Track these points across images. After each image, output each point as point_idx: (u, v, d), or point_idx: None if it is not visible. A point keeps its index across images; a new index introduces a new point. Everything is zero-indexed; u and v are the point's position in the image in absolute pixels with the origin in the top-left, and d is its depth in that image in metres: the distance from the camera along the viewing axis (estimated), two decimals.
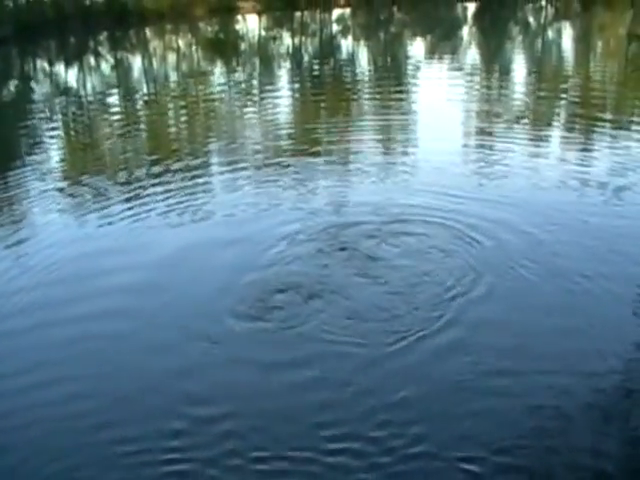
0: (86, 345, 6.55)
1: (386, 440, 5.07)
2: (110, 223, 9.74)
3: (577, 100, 17.79)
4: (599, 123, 14.53)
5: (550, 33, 34.86)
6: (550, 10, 42.25)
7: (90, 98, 21.67)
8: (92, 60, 31.54)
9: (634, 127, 14.52)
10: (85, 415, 5.57)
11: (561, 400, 5.43)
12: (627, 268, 7.49)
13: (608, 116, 15.58)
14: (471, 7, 46.66)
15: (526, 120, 15.38)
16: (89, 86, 24.29)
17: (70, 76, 27.00)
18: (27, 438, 5.36)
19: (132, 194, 10.92)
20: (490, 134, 13.96)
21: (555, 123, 15.38)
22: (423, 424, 5.24)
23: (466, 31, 38.31)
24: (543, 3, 44.09)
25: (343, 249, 8.24)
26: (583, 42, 30.03)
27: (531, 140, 13.47)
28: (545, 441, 5.04)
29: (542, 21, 39.55)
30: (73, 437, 5.37)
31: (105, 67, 29.44)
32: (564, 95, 18.40)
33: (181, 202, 10.39)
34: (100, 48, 35.72)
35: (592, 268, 7.42)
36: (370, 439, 5.10)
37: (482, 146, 13.11)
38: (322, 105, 19.02)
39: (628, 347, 6.21)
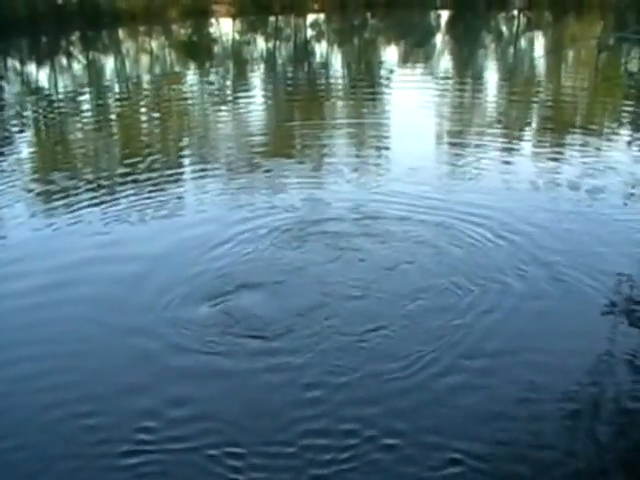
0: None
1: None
2: (77, 221, 9.81)
3: (548, 107, 18.10)
4: (568, 129, 14.87)
5: (522, 42, 35.20)
6: (522, 19, 42.64)
7: (61, 98, 21.46)
8: (64, 60, 31.26)
9: (602, 132, 14.81)
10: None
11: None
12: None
13: (577, 122, 15.95)
14: (444, 15, 46.95)
15: (496, 126, 15.56)
16: (61, 86, 24.08)
17: (42, 76, 26.73)
18: None
19: (100, 193, 10.95)
20: (460, 139, 14.19)
21: (525, 129, 15.66)
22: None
23: (439, 38, 38.54)
24: (515, 13, 44.45)
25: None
26: (554, 51, 30.32)
27: (501, 145, 13.67)
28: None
29: (514, 30, 39.91)
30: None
31: (77, 67, 29.18)
32: (535, 102, 18.70)
33: (149, 200, 10.50)
34: (72, 48, 35.39)
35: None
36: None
37: (452, 150, 13.39)
38: (295, 108, 19.05)
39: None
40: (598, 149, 13.34)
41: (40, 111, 19.40)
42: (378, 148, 13.71)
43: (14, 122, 17.57)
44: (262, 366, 6.09)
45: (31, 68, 29.13)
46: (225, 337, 6.50)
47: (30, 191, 11.46)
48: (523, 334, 6.57)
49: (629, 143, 13.99)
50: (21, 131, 16.66)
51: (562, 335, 6.52)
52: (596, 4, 40.02)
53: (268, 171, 11.94)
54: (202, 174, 12.10)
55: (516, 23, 42.37)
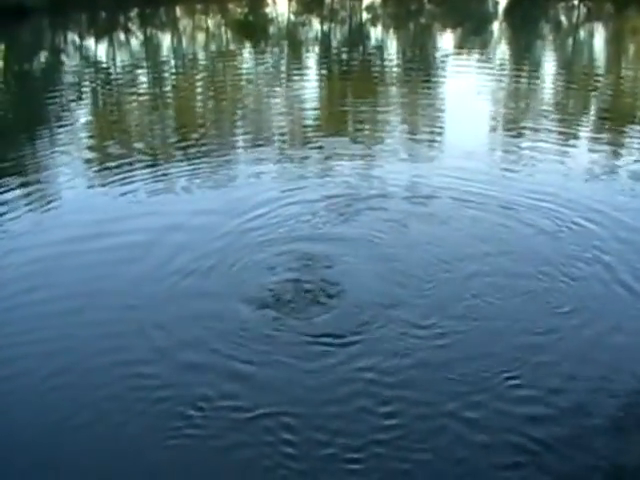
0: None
1: None
2: (131, 192, 10.13)
3: (605, 101, 17.74)
4: (627, 125, 14.55)
5: (582, 33, 34.59)
6: (582, 10, 41.87)
7: (119, 73, 21.74)
8: (122, 36, 31.61)
9: None
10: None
11: None
12: None
13: (635, 123, 15.55)
14: (502, 2, 46.32)
15: (552, 118, 15.36)
16: (118, 61, 24.36)
17: (100, 51, 27.10)
18: None
19: (154, 168, 11.20)
20: (514, 130, 14.10)
21: (581, 123, 15.28)
22: None
23: (496, 26, 38.08)
24: (575, 2, 43.66)
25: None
26: (615, 44, 29.78)
27: (555, 138, 13.50)
28: None
29: (574, 20, 39.23)
30: None
31: (135, 43, 29.52)
32: (593, 96, 18.35)
33: (202, 176, 10.70)
34: (130, 24, 35.76)
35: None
36: None
37: (505, 140, 13.35)
38: (348, 90, 19.07)
39: None
40: None
41: (98, 84, 19.71)
42: (431, 132, 13.73)
43: (73, 94, 17.88)
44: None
45: (90, 43, 29.51)
46: None
47: (86, 160, 11.85)
48: None
49: None
50: (79, 103, 16.97)
51: None
52: None
53: (320, 152, 12.07)
54: (254, 148, 12.35)
55: (576, 13, 41.64)
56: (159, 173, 10.91)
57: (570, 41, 32.07)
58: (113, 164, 11.42)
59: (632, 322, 6.64)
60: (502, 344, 6.22)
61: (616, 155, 12.34)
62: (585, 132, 14.23)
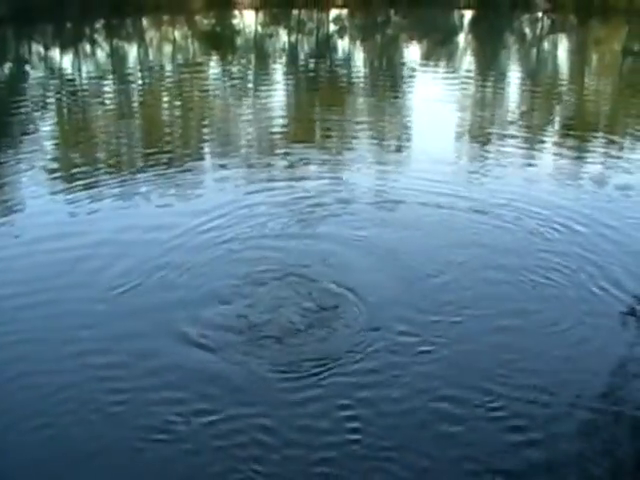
0: None
1: None
2: (94, 204, 10.01)
3: (569, 113, 17.96)
4: (590, 136, 14.75)
5: (546, 44, 35.00)
6: (546, 21, 42.40)
7: (84, 84, 21.56)
8: (88, 47, 31.37)
9: (624, 141, 14.70)
10: None
11: None
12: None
13: (599, 130, 15.81)
14: (468, 14, 46.74)
15: (516, 126, 15.55)
16: (84, 72, 24.15)
17: (65, 61, 26.84)
18: None
19: (117, 178, 11.13)
20: (479, 137, 14.30)
21: (544, 135, 15.40)
22: None
23: (462, 38, 38.41)
24: (539, 14, 44.17)
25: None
26: (578, 55, 30.18)
27: (520, 144, 13.68)
28: None
29: (538, 32, 39.69)
30: None
31: (101, 54, 29.30)
32: (556, 107, 18.58)
33: (165, 187, 10.62)
34: (96, 35, 35.52)
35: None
36: None
37: (471, 147, 13.55)
38: (316, 101, 19.09)
39: None
40: (617, 149, 13.39)
41: (63, 95, 19.51)
42: (398, 140, 13.84)
43: (37, 105, 17.68)
44: None
45: (55, 53, 29.24)
46: None
47: (47, 170, 11.77)
48: None
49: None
50: (43, 113, 16.78)
51: None
52: (622, 9, 39.67)
53: (286, 161, 12.09)
54: (220, 157, 12.34)
55: (540, 25, 42.14)
56: (122, 183, 10.83)
57: (534, 52, 32.42)
58: (75, 173, 11.35)
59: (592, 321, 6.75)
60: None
61: (578, 160, 12.60)
62: (548, 139, 14.48)
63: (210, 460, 5.01)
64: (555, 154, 13.26)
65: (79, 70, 24.56)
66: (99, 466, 5.00)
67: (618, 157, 12.83)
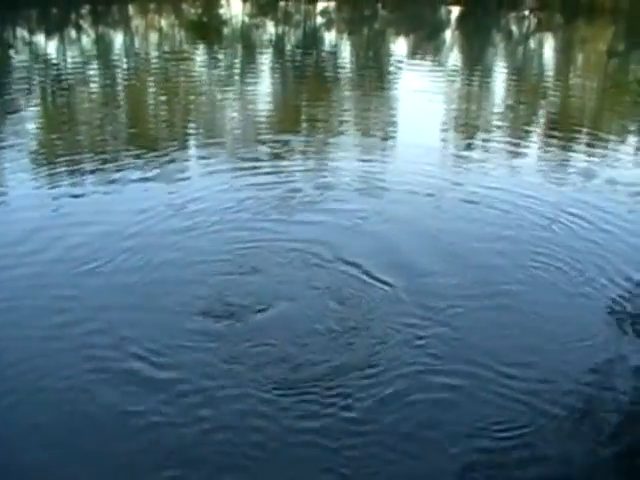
0: None
1: None
2: (78, 191, 9.87)
3: (553, 111, 18.03)
4: (574, 135, 14.83)
5: (532, 43, 35.12)
6: (533, 20, 42.56)
7: (69, 70, 21.36)
8: (73, 33, 31.14)
9: (607, 137, 14.82)
10: None
11: None
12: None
13: (582, 127, 15.93)
14: (455, 11, 46.80)
15: (502, 121, 15.64)
16: (69, 58, 23.96)
17: (50, 47, 26.63)
18: None
19: (101, 167, 10.96)
20: (465, 131, 14.41)
21: (528, 129, 15.50)
22: None
23: (449, 34, 38.47)
24: (526, 13, 44.31)
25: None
26: (564, 54, 30.32)
27: (505, 138, 13.78)
28: None
29: (524, 30, 39.83)
30: None
31: (86, 41, 29.07)
32: (541, 103, 18.67)
33: (150, 173, 10.57)
34: (82, 21, 35.25)
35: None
36: None
37: (456, 140, 13.67)
38: (303, 93, 19.05)
39: None
40: (600, 144, 13.58)
41: (47, 81, 19.34)
42: (384, 133, 13.89)
43: (21, 90, 17.52)
44: None
45: (40, 39, 28.99)
46: None
47: (30, 155, 11.63)
48: None
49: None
50: (27, 99, 16.63)
51: None
52: (608, 9, 39.91)
53: (269, 155, 12.05)
54: (204, 147, 12.30)
55: (527, 23, 42.29)
56: (104, 170, 10.71)
57: (521, 50, 32.55)
58: (58, 160, 11.22)
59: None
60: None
61: (562, 154, 12.76)
62: (533, 133, 14.61)
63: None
64: (540, 148, 13.39)
65: (64, 56, 24.37)
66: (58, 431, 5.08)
67: (602, 152, 13.02)
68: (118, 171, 10.61)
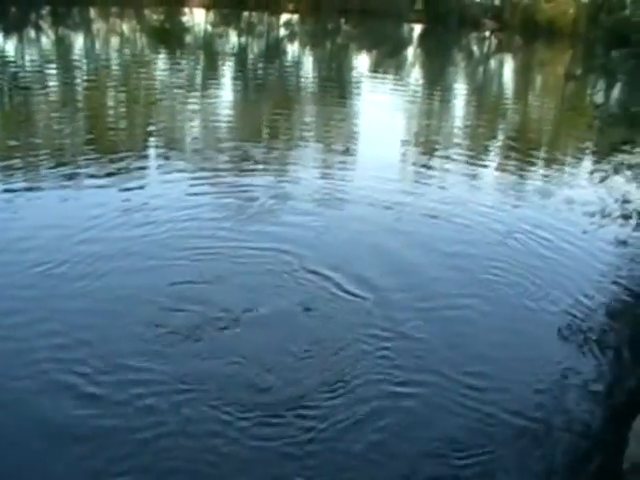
0: None
1: None
2: (31, 195, 9.56)
3: (512, 131, 18.25)
4: (531, 155, 15.03)
5: (492, 63, 35.61)
6: (493, 41, 43.15)
7: (27, 70, 21.01)
8: (32, 33, 30.71)
9: (564, 162, 15.02)
10: None
11: None
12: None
13: (540, 150, 16.14)
14: (417, 28, 47.31)
15: (459, 143, 15.73)
16: (27, 59, 23.59)
17: (8, 47, 26.19)
18: None
19: (56, 170, 10.69)
20: (423, 146, 14.55)
21: (487, 151, 15.57)
22: None
23: (411, 51, 38.82)
24: (487, 34, 44.94)
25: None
26: (523, 76, 30.76)
27: (462, 154, 13.88)
28: None
29: (485, 50, 40.37)
30: None
31: (46, 42, 28.68)
32: (500, 125, 18.90)
33: (103, 179, 10.34)
34: (41, 22, 34.81)
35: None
36: None
37: (413, 155, 13.77)
38: (264, 104, 18.96)
39: None
40: (554, 163, 13.82)
41: (2, 80, 18.98)
42: (343, 145, 13.90)
43: None
44: None
45: None
46: None
47: None
48: None
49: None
50: None
51: None
52: (567, 33, 40.68)
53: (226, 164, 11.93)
54: (161, 156, 12.13)
55: (487, 44, 42.87)
56: (59, 173, 10.41)
57: (481, 69, 32.97)
58: (12, 162, 10.92)
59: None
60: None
61: (519, 172, 12.94)
62: (492, 151, 14.79)
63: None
64: (498, 166, 13.54)
65: (22, 56, 23.98)
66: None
67: (557, 171, 13.36)
68: (73, 175, 10.37)
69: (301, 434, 5.06)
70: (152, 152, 12.46)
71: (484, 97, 23.95)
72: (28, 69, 21.06)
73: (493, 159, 14.25)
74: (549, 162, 14.28)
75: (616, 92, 26.06)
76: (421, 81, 27.51)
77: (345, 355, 6.06)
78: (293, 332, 6.34)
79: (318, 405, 5.39)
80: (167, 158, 11.86)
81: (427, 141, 15.27)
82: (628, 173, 9.82)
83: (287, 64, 28.97)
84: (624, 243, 9.26)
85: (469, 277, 7.81)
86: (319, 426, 5.16)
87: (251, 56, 31.02)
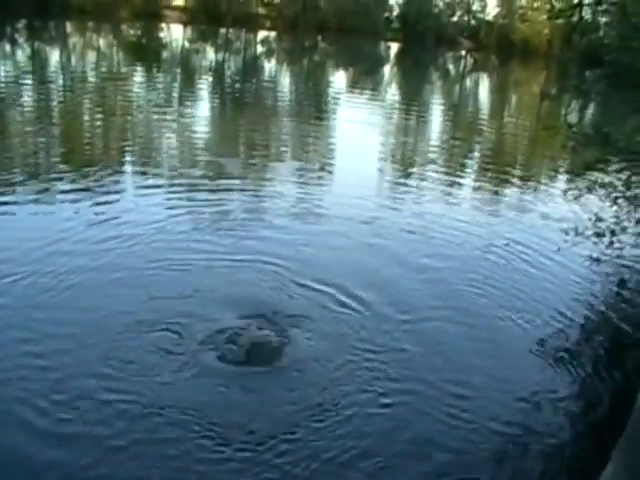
0: None
1: None
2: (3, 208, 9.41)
3: (487, 149, 18.39)
4: (506, 173, 15.16)
5: (468, 82, 35.90)
6: (469, 60, 43.53)
7: (1, 84, 20.82)
8: (7, 47, 30.50)
9: (539, 180, 15.13)
10: None
11: None
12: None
13: (515, 167, 16.28)
14: (394, 47, 47.62)
15: (435, 160, 15.81)
16: (1, 72, 23.37)
17: None
18: None
19: (30, 184, 10.54)
20: (399, 163, 14.61)
21: (463, 169, 15.60)
22: None
23: (388, 69, 39.04)
24: (463, 53, 45.32)
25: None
26: (499, 95, 31.03)
27: (435, 181, 13.87)
28: None
29: (461, 69, 40.70)
30: None
31: (21, 56, 28.48)
32: (476, 143, 19.01)
33: (82, 198, 10.19)
34: (17, 35, 34.61)
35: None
36: None
37: (389, 171, 13.81)
38: (240, 121, 18.94)
39: None
40: (529, 181, 13.94)
41: None
42: (320, 161, 13.91)
43: None
44: None
45: None
46: None
47: None
48: None
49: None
50: None
51: None
52: (541, 53, 41.13)
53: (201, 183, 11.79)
54: (138, 173, 12.00)
55: (463, 63, 43.23)
56: (32, 187, 10.26)
57: (457, 88, 33.21)
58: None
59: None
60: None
61: (494, 190, 13.09)
62: (468, 169, 14.88)
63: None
64: (473, 184, 13.64)
65: None
66: None
67: (532, 189, 13.53)
68: (46, 189, 10.22)
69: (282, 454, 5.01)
70: (127, 167, 12.36)
71: (460, 115, 24.12)
72: (2, 82, 20.86)
73: (469, 176, 14.35)
74: (524, 180, 14.39)
75: (590, 112, 26.39)
76: (398, 99, 27.66)
77: (329, 367, 6.01)
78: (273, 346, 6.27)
79: (300, 424, 5.33)
80: (142, 173, 11.78)
81: (404, 158, 15.36)
82: (601, 191, 9.90)
83: (264, 81, 29.02)
84: (597, 260, 9.31)
85: (445, 290, 7.81)
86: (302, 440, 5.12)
87: (228, 72, 31.05)
